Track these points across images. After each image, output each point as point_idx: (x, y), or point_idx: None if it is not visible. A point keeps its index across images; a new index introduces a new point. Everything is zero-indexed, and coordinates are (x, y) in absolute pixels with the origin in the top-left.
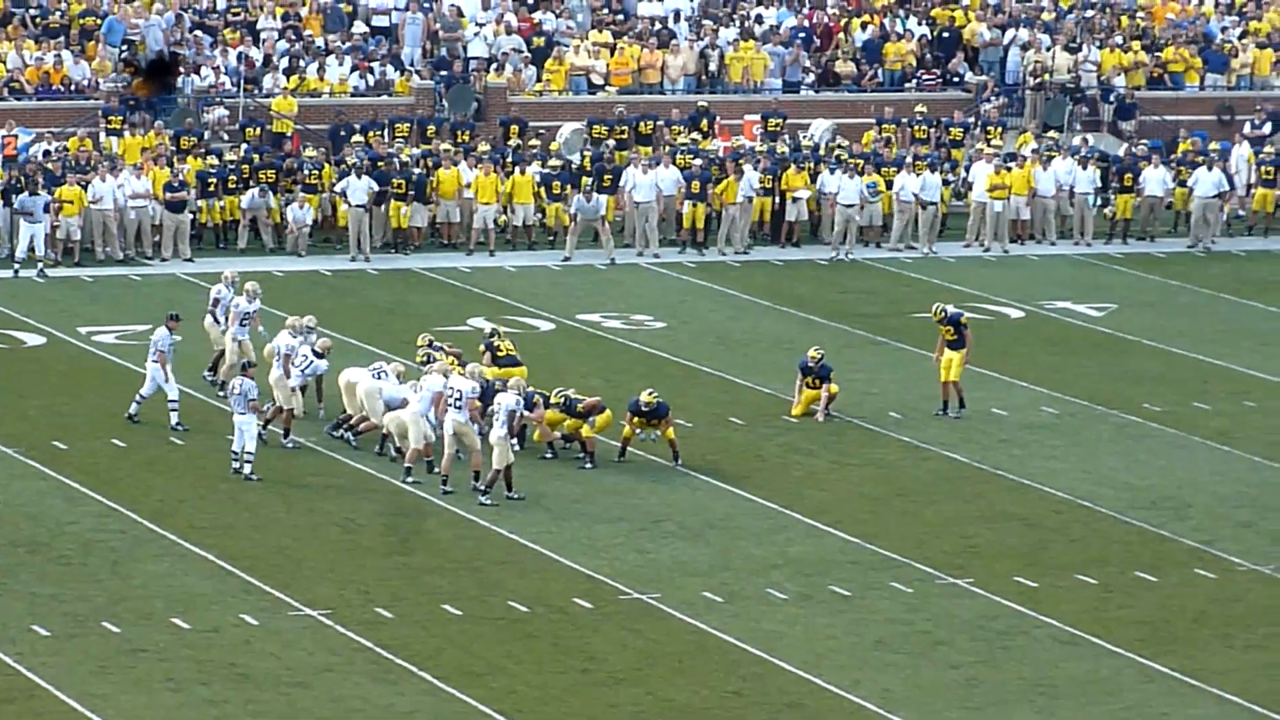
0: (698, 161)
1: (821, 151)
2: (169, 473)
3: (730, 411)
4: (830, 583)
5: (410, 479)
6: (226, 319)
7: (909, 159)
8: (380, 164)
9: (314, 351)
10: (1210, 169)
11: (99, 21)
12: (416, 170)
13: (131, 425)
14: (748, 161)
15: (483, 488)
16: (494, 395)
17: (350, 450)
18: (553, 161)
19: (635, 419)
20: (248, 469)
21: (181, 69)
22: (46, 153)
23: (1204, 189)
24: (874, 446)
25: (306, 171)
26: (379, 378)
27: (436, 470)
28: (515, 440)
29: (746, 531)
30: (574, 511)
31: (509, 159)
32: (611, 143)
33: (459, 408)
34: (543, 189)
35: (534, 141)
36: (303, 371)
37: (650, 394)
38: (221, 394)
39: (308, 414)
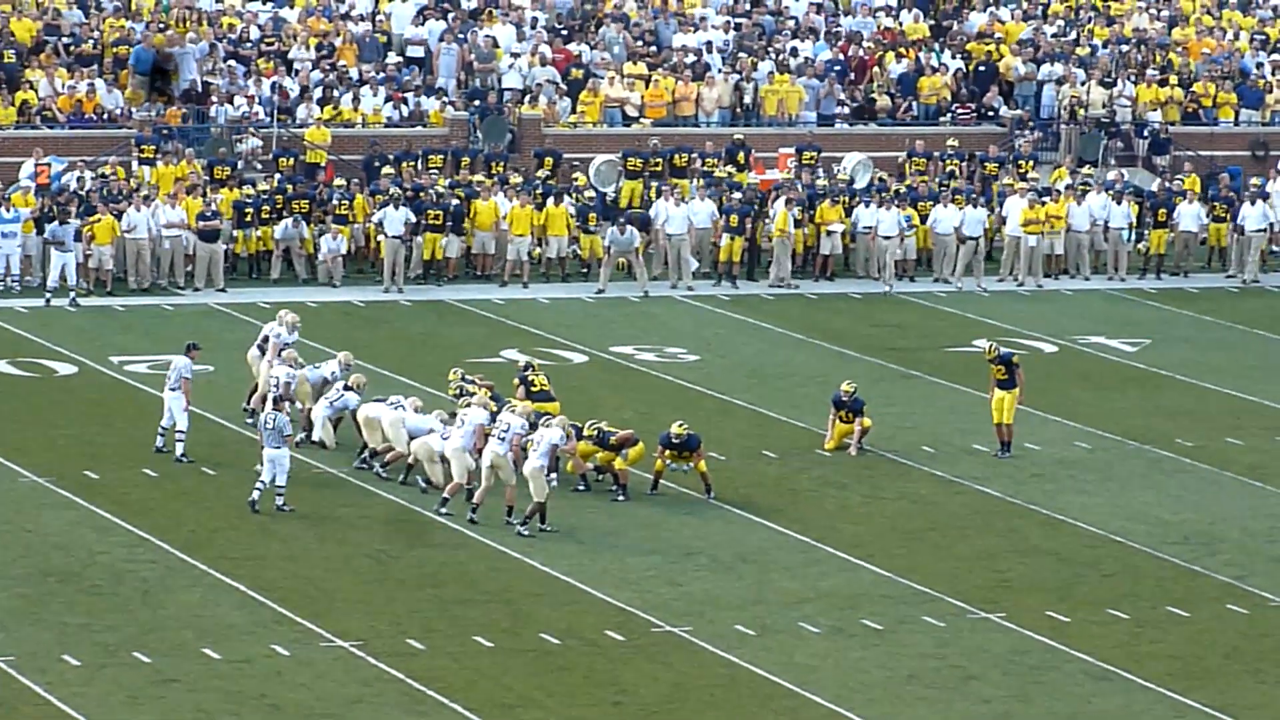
0: (736, 195)
1: (857, 185)
2: (201, 503)
3: (763, 445)
4: (863, 616)
5: (444, 510)
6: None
7: (947, 193)
8: (420, 194)
9: (346, 386)
10: (1254, 204)
11: (131, 50)
12: (454, 201)
13: (161, 456)
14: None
15: (520, 520)
16: (531, 428)
17: (381, 482)
18: (588, 193)
19: (666, 452)
20: (279, 500)
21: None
22: (80, 179)
23: (1254, 224)
24: (907, 480)
25: (337, 201)
26: (397, 409)
27: (472, 501)
28: (552, 474)
29: (779, 565)
30: (606, 544)
31: (540, 190)
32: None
33: (502, 439)
34: (577, 221)
35: (576, 175)
36: (333, 404)
37: (681, 426)
38: (251, 422)
39: (338, 445)
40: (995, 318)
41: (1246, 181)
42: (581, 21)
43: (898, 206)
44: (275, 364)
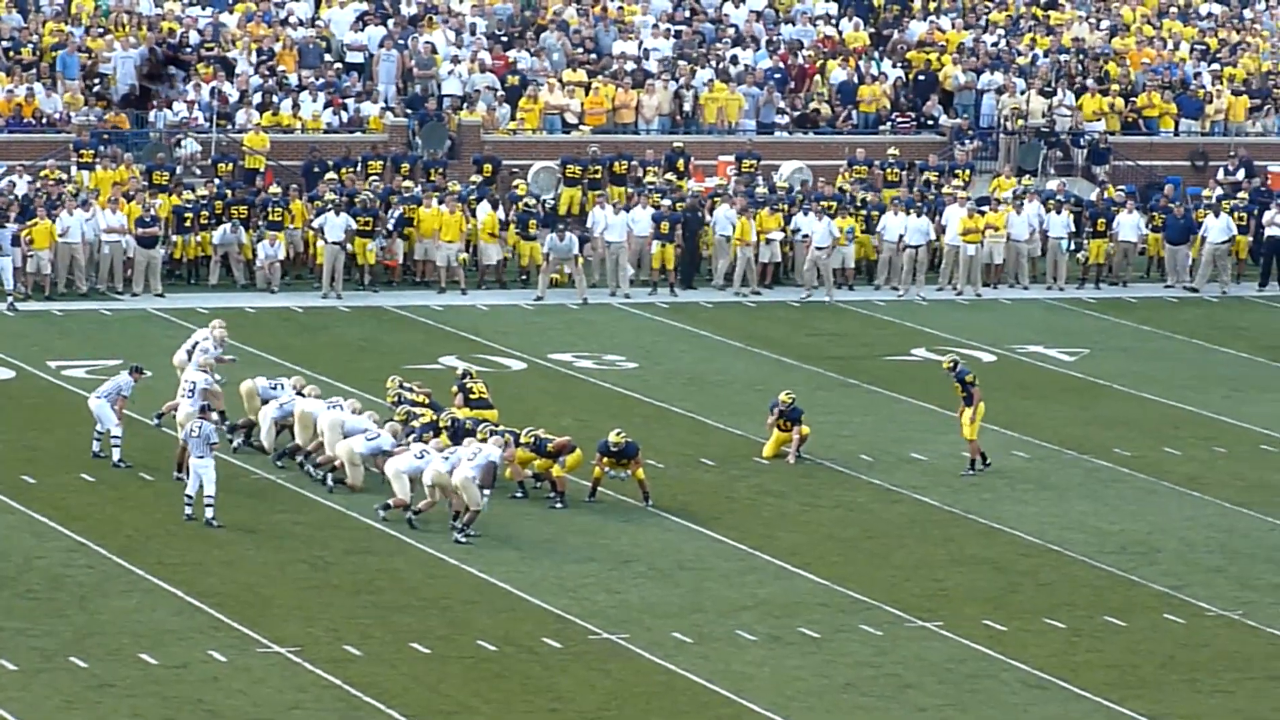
0: (666, 202)
1: (795, 193)
2: (138, 508)
3: (701, 453)
4: (800, 625)
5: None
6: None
7: (892, 201)
8: (354, 200)
9: (298, 392)
10: (1218, 215)
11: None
12: (393, 208)
13: (99, 461)
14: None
15: (460, 525)
16: (465, 435)
17: (318, 488)
18: (528, 200)
19: (604, 459)
20: (209, 513)
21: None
22: (14, 186)
23: (1216, 235)
24: (845, 489)
25: (274, 207)
26: (334, 409)
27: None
28: (486, 491)
29: (716, 572)
30: (544, 551)
31: (475, 196)
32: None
33: (447, 459)
34: (517, 228)
35: (516, 183)
36: (282, 406)
37: (618, 434)
38: (157, 424)
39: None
40: (934, 326)
41: (1184, 192)
42: (521, 29)
43: (834, 217)
44: (192, 370)
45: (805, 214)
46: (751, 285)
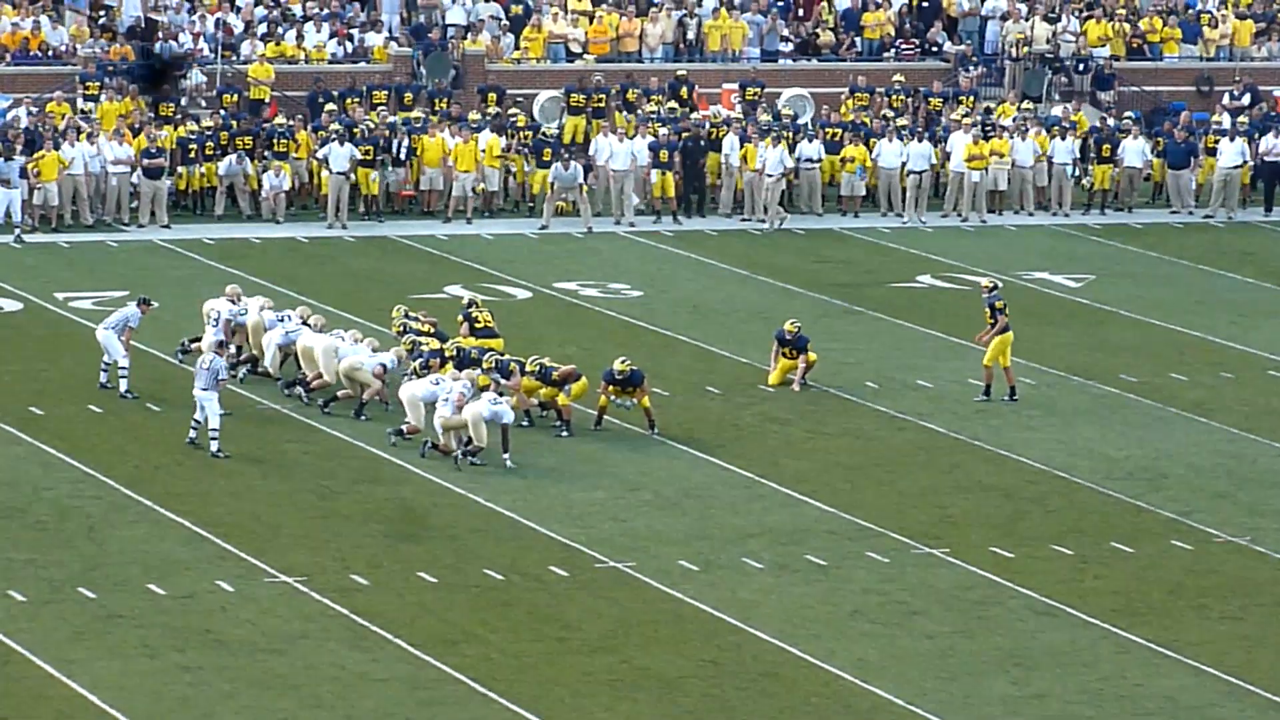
0: (664, 130)
1: (799, 120)
2: (145, 439)
3: (707, 381)
4: (806, 552)
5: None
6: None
7: (892, 128)
8: (354, 130)
9: (302, 321)
10: (1233, 140)
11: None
12: (393, 137)
13: (106, 391)
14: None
15: (468, 451)
16: (470, 364)
17: (325, 417)
18: (546, 130)
19: (610, 387)
20: (214, 445)
21: (180, 72)
22: (29, 118)
23: (1228, 159)
24: (850, 416)
25: (277, 138)
26: (334, 337)
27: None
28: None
29: (722, 500)
30: (550, 480)
31: (475, 126)
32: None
33: (446, 401)
34: (531, 156)
35: (513, 112)
36: (287, 333)
37: (624, 362)
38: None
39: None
40: (939, 253)
41: (1190, 118)
42: None
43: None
44: (219, 300)
45: (810, 141)
46: (769, 211)
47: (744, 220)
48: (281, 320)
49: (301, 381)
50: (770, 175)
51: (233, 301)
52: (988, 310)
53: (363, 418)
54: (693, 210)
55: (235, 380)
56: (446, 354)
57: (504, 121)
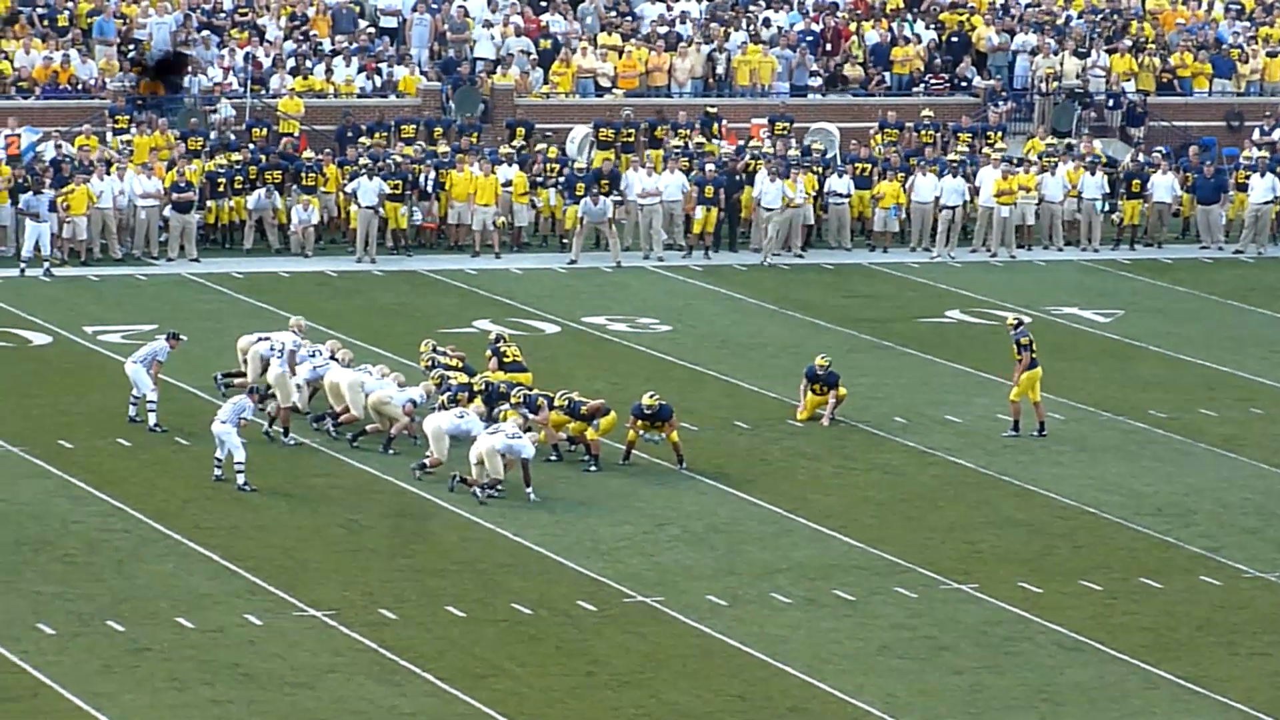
0: (710, 166)
1: (829, 155)
2: (174, 473)
3: (735, 415)
4: (834, 587)
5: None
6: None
7: (922, 163)
8: (378, 163)
9: (331, 356)
10: (1264, 175)
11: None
12: (423, 172)
13: (135, 425)
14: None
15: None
16: (499, 399)
17: (352, 451)
18: (578, 164)
19: (639, 422)
20: (240, 479)
21: (190, 68)
22: (57, 151)
23: (1258, 195)
24: (879, 451)
25: (306, 172)
26: (362, 372)
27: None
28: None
29: (751, 535)
30: (578, 514)
31: (511, 161)
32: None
33: (493, 434)
34: (564, 192)
35: (540, 146)
36: (315, 369)
37: (652, 397)
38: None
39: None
40: (968, 288)
41: (1220, 153)
42: None
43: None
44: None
45: (840, 176)
46: (795, 248)
47: (774, 254)
48: (311, 355)
49: (330, 415)
50: (769, 209)
51: (296, 333)
52: (1014, 347)
53: (390, 452)
54: (721, 245)
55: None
56: (475, 388)
57: (528, 156)
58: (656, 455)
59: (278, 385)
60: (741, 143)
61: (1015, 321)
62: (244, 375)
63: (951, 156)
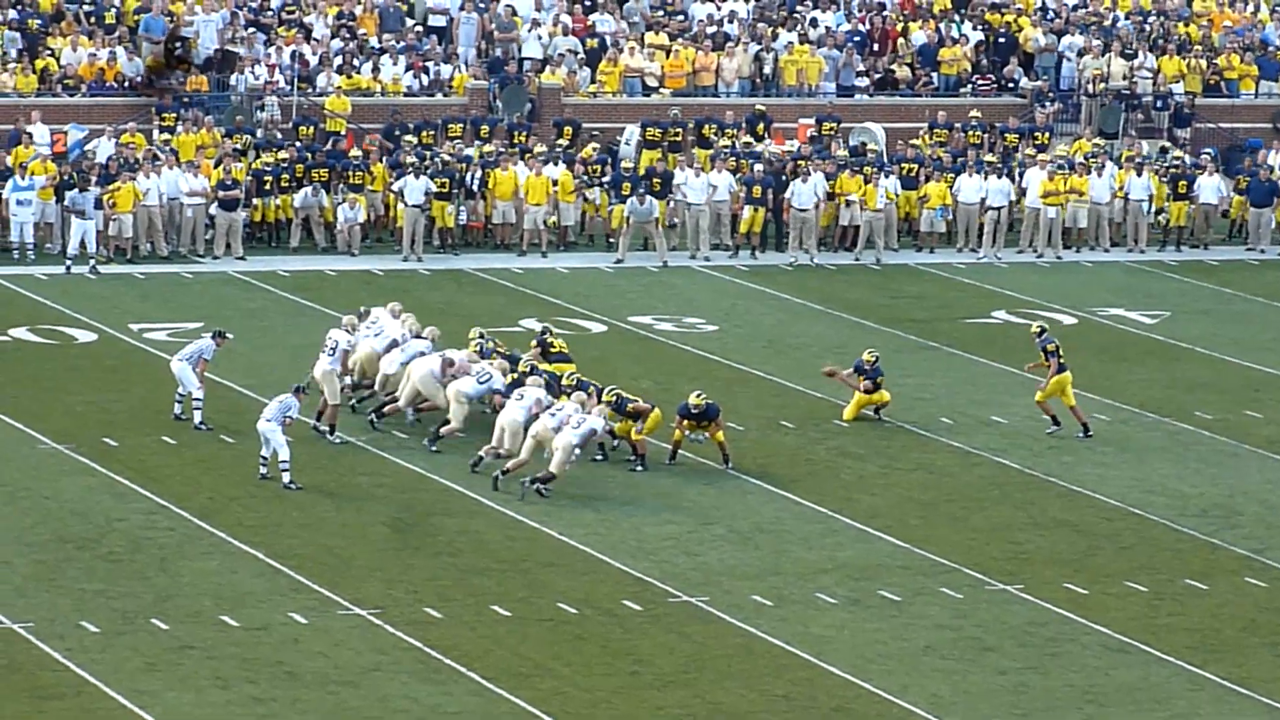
0: (758, 166)
1: (878, 155)
2: (218, 470)
3: (781, 415)
4: (879, 587)
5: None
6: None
7: (969, 164)
8: (423, 161)
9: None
10: None
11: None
12: (470, 171)
13: (180, 423)
14: (816, 165)
15: (531, 480)
16: (557, 388)
17: (398, 449)
18: (625, 163)
19: (685, 421)
20: (286, 477)
21: (234, 65)
22: (95, 151)
23: None
24: (924, 451)
25: (352, 170)
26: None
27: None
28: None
29: (796, 535)
30: (624, 513)
31: (545, 159)
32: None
33: (554, 415)
34: (610, 191)
35: (588, 145)
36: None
37: (699, 396)
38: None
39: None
40: (1014, 289)
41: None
42: None
43: (938, 180)
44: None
45: (887, 176)
46: (802, 244)
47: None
48: (411, 339)
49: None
50: (802, 210)
51: (349, 331)
52: (1041, 354)
53: (434, 449)
54: (768, 244)
55: (350, 407)
56: (522, 371)
57: (575, 155)
58: (702, 455)
59: (324, 382)
60: (793, 143)
61: (1039, 329)
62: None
63: (989, 158)
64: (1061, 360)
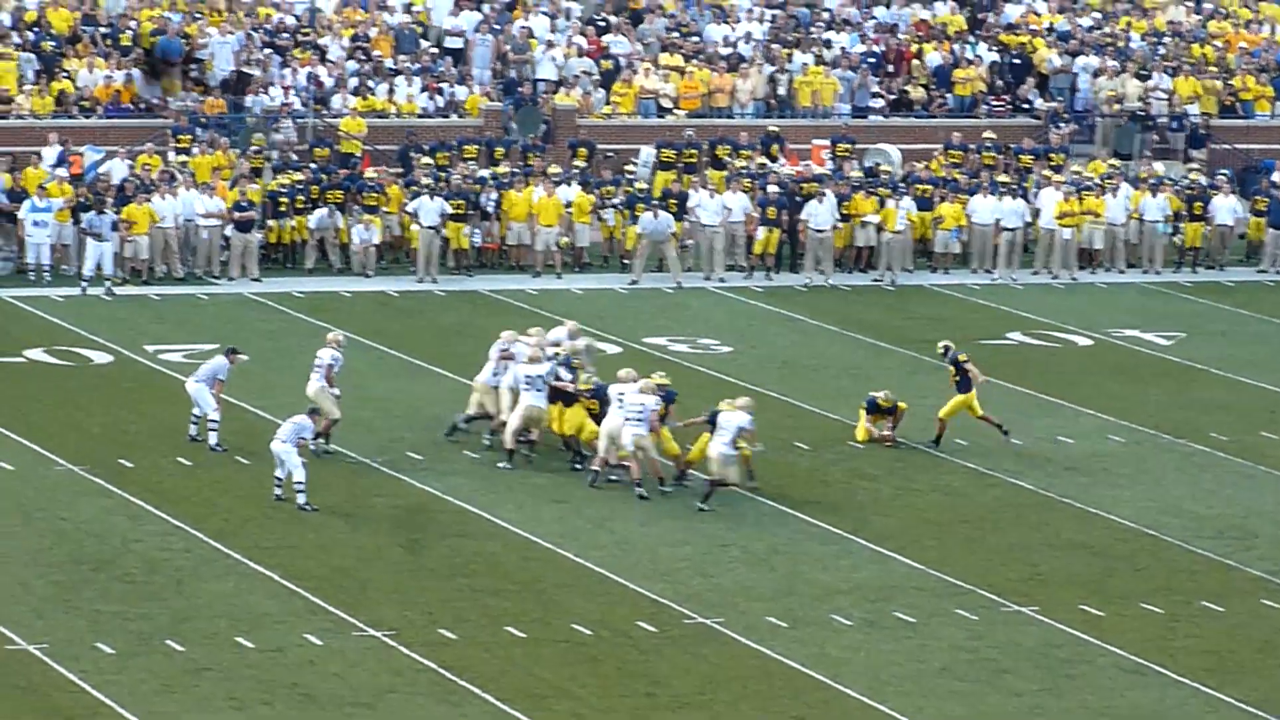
0: (773, 188)
1: (892, 176)
2: (233, 492)
3: (795, 436)
4: (895, 609)
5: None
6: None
7: (985, 184)
8: (438, 182)
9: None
10: None
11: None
12: (483, 192)
13: (195, 444)
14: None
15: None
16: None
17: (415, 471)
18: (639, 185)
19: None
20: (301, 499)
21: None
22: (110, 174)
23: None
24: (939, 473)
25: (367, 192)
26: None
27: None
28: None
29: (811, 556)
30: (638, 535)
31: (573, 181)
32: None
33: (641, 420)
34: (624, 210)
35: (605, 169)
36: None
37: (730, 403)
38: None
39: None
40: (1030, 310)
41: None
42: (616, 13)
43: (951, 201)
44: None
45: (902, 198)
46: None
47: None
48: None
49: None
50: (820, 231)
51: (335, 348)
52: (953, 369)
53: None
54: (783, 265)
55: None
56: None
57: (591, 176)
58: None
59: (319, 400)
60: (807, 163)
61: (943, 349)
62: (489, 416)
63: (1004, 179)
64: (969, 376)
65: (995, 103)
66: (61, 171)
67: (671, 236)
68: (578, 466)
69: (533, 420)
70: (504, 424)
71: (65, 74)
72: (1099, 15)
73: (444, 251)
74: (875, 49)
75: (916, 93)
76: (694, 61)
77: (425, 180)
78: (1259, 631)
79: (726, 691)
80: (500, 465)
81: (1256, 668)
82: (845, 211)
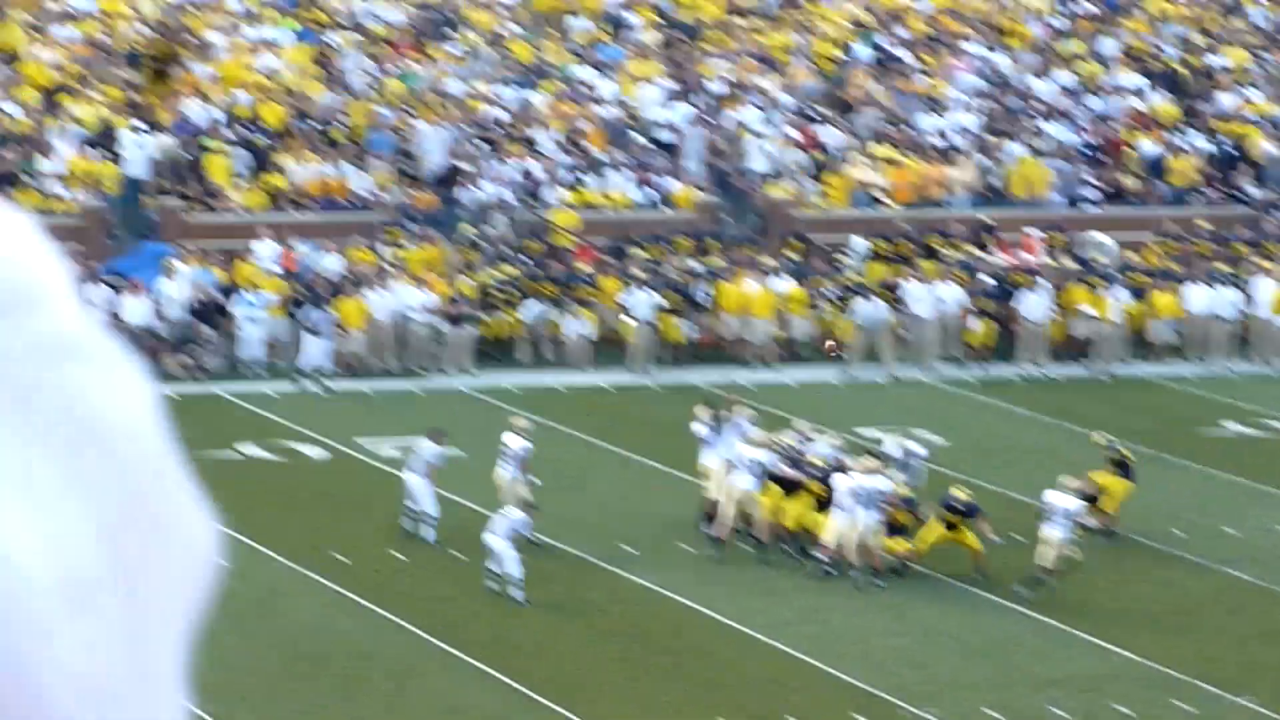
0: (991, 281)
1: (1106, 266)
2: (451, 586)
3: (1011, 528)
4: (1112, 700)
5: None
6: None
7: (1198, 274)
8: (651, 274)
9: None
10: None
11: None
12: (698, 286)
13: (411, 539)
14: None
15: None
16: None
17: (632, 564)
18: (852, 275)
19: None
20: (518, 594)
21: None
22: (324, 268)
23: None
24: (1157, 563)
25: (581, 285)
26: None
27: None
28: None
29: (1026, 648)
30: (850, 626)
31: (792, 272)
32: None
33: (869, 505)
34: (839, 302)
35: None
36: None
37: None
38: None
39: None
40: (1245, 400)
41: None
42: (829, 104)
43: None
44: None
45: (1117, 288)
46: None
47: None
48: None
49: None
50: (1033, 321)
51: (521, 435)
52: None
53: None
54: (997, 355)
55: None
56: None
57: (806, 268)
58: (928, 564)
59: (513, 491)
60: (1020, 253)
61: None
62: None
63: (1219, 267)
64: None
65: (1209, 191)
66: (275, 266)
67: (887, 328)
68: (799, 559)
69: (744, 506)
70: (715, 504)
71: (278, 168)
72: None
73: (658, 344)
74: (1089, 138)
75: (1129, 182)
76: (906, 151)
77: (638, 273)
78: None
79: None
80: (710, 554)
81: None
82: (1060, 302)
